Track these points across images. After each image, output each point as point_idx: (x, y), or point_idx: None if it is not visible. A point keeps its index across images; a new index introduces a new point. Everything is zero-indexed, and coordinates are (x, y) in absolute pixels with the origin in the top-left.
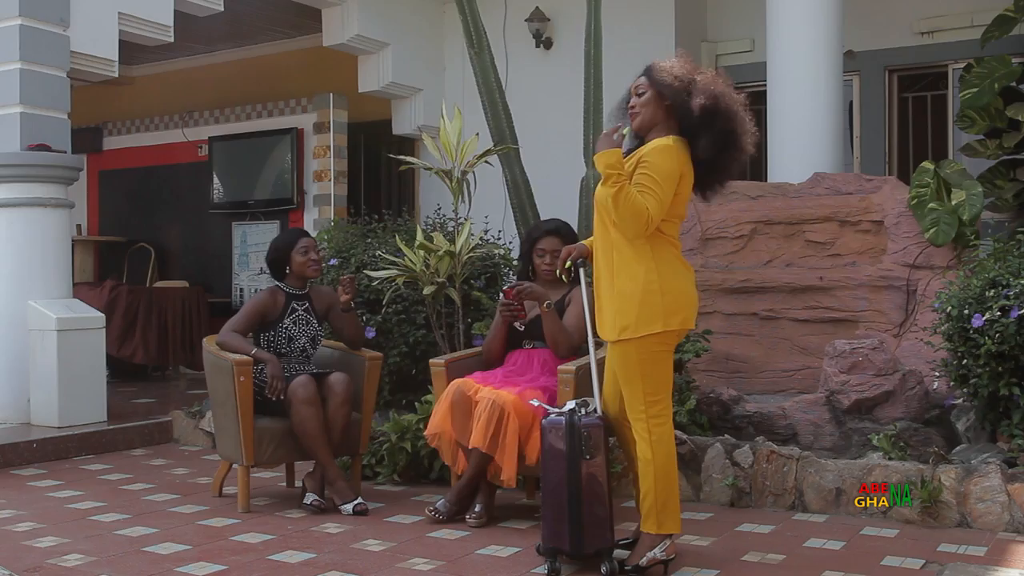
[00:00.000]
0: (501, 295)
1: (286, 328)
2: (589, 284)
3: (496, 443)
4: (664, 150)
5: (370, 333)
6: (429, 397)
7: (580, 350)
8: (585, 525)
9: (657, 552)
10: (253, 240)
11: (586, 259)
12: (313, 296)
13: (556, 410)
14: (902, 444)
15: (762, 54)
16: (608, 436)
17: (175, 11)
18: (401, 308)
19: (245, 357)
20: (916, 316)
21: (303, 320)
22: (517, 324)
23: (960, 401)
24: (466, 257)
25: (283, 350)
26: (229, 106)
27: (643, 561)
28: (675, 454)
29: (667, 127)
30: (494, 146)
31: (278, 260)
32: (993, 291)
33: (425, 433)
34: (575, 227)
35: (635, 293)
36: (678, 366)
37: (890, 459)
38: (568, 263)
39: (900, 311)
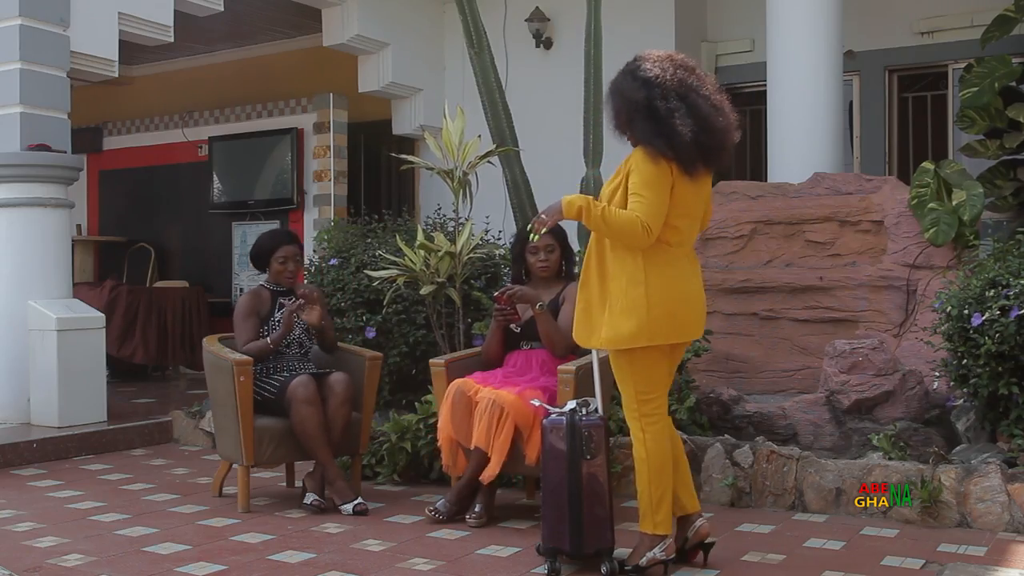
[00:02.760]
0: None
1: (278, 323)
2: None
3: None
4: (643, 154)
5: (370, 333)
6: (429, 397)
7: (578, 349)
8: (585, 525)
9: (657, 552)
10: (253, 240)
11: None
12: (298, 291)
13: (557, 410)
14: (902, 444)
15: (762, 54)
16: (609, 436)
17: (175, 11)
18: (401, 308)
19: (245, 357)
20: (916, 316)
21: None
22: (513, 326)
23: (960, 401)
24: (467, 257)
25: (280, 346)
26: (229, 106)
27: (643, 561)
28: (669, 453)
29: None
30: (496, 146)
31: (259, 258)
32: (993, 291)
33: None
34: (574, 227)
35: (620, 306)
36: (679, 366)
37: (890, 459)
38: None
39: (900, 311)
